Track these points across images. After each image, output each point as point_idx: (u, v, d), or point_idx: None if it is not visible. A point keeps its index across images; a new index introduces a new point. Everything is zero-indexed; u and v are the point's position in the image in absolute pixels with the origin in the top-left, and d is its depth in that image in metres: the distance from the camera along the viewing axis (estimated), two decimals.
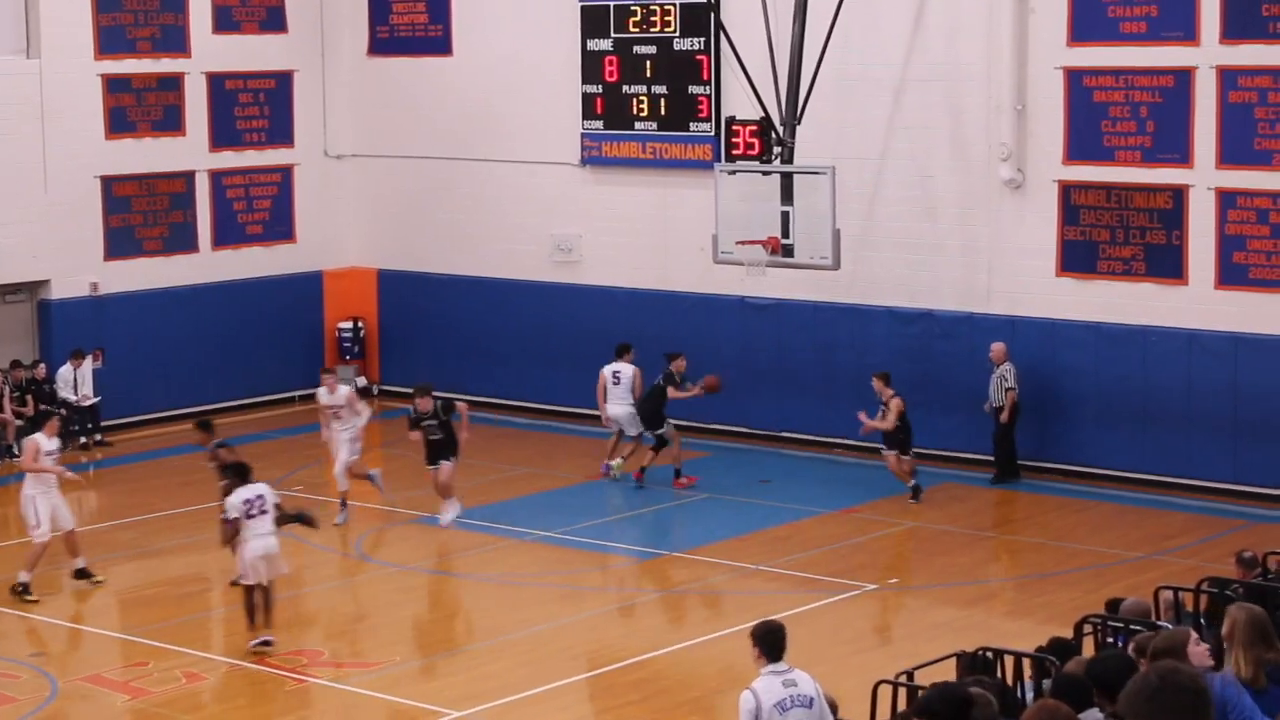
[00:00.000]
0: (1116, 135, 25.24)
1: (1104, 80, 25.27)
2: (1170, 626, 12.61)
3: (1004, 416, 25.33)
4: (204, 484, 23.13)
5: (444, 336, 31.62)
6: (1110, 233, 25.38)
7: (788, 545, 22.83)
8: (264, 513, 18.84)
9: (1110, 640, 13.05)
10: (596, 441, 26.92)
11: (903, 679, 12.89)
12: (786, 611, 20.14)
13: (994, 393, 25.45)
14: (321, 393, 24.82)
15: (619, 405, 25.89)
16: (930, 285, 26.80)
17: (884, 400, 24.56)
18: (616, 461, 25.93)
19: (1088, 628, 13.61)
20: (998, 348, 25.49)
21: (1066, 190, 25.66)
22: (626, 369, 26.01)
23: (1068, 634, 13.51)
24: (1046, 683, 11.48)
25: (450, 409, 23.48)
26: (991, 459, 25.75)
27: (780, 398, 28.17)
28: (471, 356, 31.23)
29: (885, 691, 12.79)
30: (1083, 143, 25.49)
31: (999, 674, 12.70)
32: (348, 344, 32.21)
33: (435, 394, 23.85)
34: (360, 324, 32.33)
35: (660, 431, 25.53)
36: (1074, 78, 25.49)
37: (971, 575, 21.99)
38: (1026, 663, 12.64)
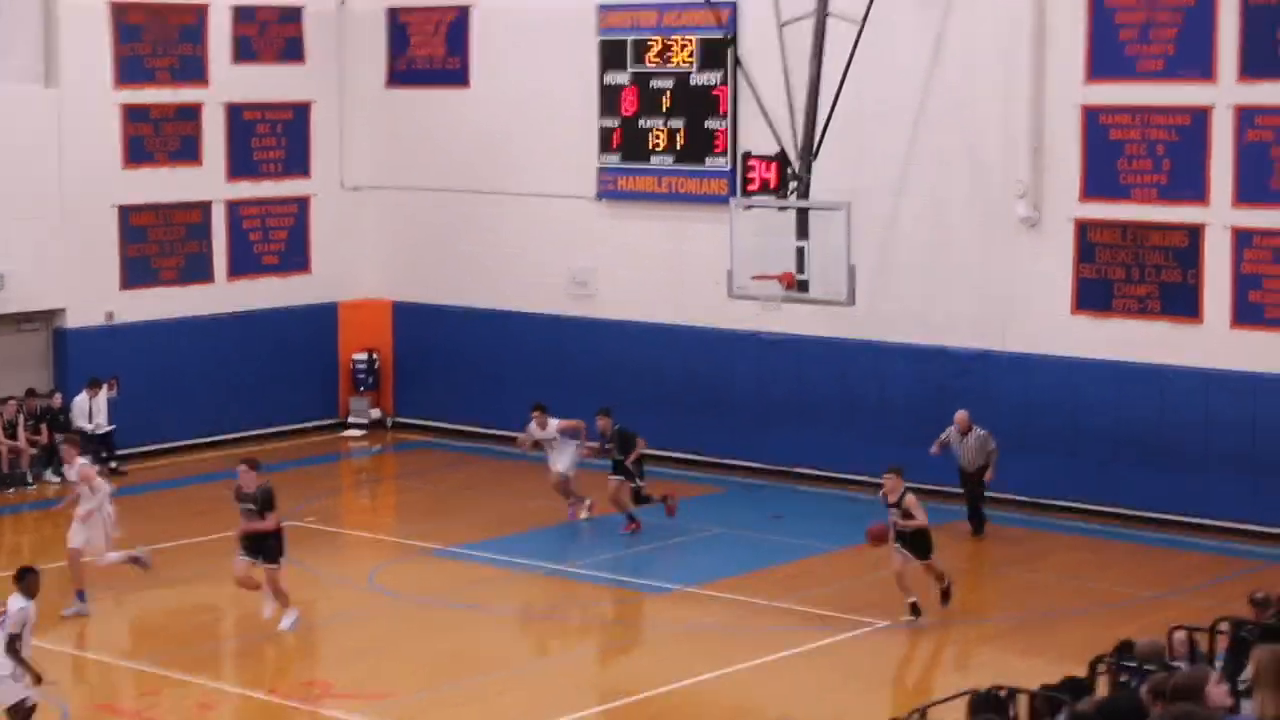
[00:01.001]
0: (1133, 173, 25.22)
1: (1121, 118, 25.26)
2: (1184, 667, 12.56)
3: (989, 475, 24.79)
4: (218, 514, 23.11)
5: (459, 369, 31.62)
6: (1126, 271, 25.35)
7: (799, 582, 22.77)
8: None
9: (1124, 680, 12.99)
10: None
11: (915, 717, 12.85)
12: (798, 648, 20.10)
13: (974, 456, 24.70)
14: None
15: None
16: (946, 322, 26.75)
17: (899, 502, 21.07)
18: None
19: (1102, 667, 13.56)
20: (962, 416, 24.84)
21: (1082, 228, 25.63)
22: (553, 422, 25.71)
23: (1081, 673, 13.46)
24: None
25: (270, 503, 20.55)
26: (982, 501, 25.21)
27: (795, 432, 28.12)
28: (486, 389, 31.21)
29: None
30: (1099, 180, 25.47)
31: (1011, 713, 12.66)
32: (362, 375, 32.23)
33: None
34: (375, 355, 32.33)
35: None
36: (1091, 115, 25.48)
37: (984, 613, 21.91)
38: (1039, 701, 12.58)
